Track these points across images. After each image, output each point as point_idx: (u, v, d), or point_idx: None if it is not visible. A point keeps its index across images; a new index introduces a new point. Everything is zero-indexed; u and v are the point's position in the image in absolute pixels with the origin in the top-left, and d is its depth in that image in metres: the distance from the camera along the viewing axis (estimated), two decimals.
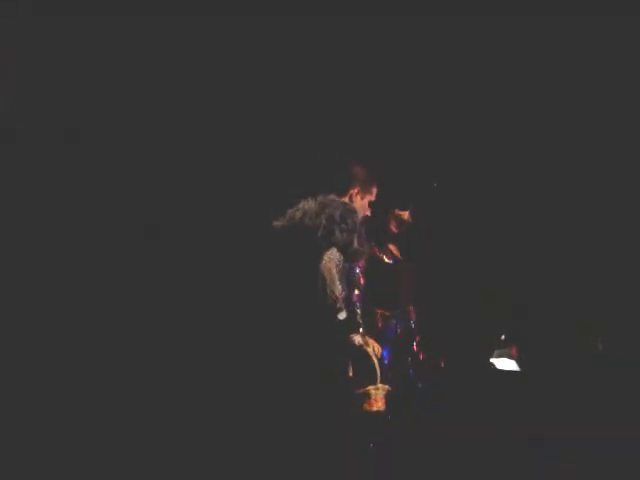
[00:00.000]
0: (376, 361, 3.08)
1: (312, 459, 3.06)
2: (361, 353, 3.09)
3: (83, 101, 4.09)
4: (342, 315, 3.07)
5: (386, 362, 3.51)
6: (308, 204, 3.22)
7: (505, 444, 3.92)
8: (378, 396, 3.03)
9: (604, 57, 4.33)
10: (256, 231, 3.48)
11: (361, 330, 3.23)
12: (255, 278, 3.43)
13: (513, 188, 4.60)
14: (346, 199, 3.37)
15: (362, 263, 3.45)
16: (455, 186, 4.44)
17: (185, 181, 4.19)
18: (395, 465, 3.45)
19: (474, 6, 4.21)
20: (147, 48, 4.15)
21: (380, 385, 3.05)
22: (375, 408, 3.02)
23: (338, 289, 3.06)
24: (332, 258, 3.09)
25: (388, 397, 3.11)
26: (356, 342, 3.09)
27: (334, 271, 3.07)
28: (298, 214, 3.20)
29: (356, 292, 3.35)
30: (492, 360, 4.39)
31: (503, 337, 4.46)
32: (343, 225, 3.13)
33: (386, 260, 3.81)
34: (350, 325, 3.14)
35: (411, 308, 3.87)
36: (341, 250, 3.12)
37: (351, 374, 3.07)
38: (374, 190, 3.48)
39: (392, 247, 3.90)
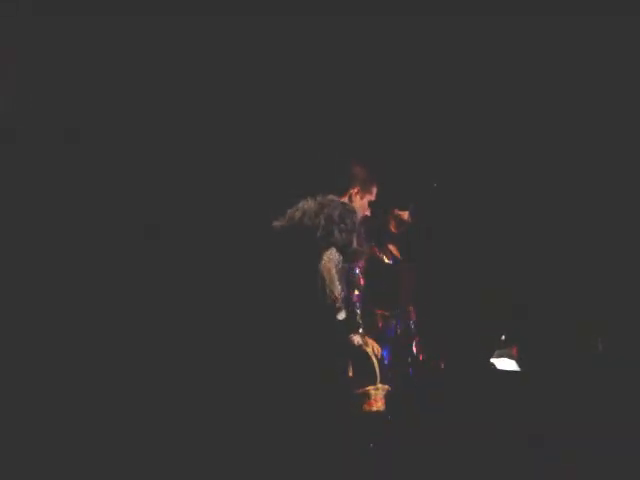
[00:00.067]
0: (376, 361, 3.08)
1: (312, 459, 3.06)
2: (361, 353, 3.09)
3: (83, 101, 4.09)
4: (341, 315, 3.07)
5: (386, 362, 3.52)
6: (307, 204, 3.22)
7: (505, 444, 3.92)
8: (378, 396, 3.03)
9: (604, 57, 4.33)
10: (256, 231, 3.48)
11: (361, 330, 3.23)
12: (255, 278, 3.43)
13: (513, 188, 4.60)
14: (346, 199, 3.37)
15: (362, 263, 3.45)
16: (455, 186, 4.44)
17: (185, 181, 4.19)
18: (395, 465, 3.45)
19: (474, 6, 4.21)
20: (147, 48, 4.14)
21: (380, 385, 3.05)
22: (375, 408, 3.02)
23: (337, 289, 3.06)
24: (331, 258, 3.09)
25: (388, 397, 3.11)
26: (355, 342, 3.09)
27: (333, 271, 3.07)
28: (297, 214, 3.20)
29: (356, 292, 3.34)
30: (492, 360, 4.39)
31: (503, 337, 4.46)
32: (342, 225, 3.13)
33: (386, 260, 3.81)
34: (350, 325, 3.14)
35: (411, 308, 3.87)
36: (340, 250, 3.12)
37: (351, 374, 3.07)
38: (374, 190, 3.49)
39: (392, 247, 3.89)
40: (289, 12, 4.17)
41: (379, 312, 3.70)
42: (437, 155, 4.44)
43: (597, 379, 4.14)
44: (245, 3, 4.16)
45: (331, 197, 3.27)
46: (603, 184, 4.52)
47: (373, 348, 3.17)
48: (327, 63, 4.29)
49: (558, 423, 3.99)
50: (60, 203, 4.04)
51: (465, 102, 4.46)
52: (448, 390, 4.01)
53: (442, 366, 3.99)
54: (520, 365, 4.38)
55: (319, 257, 3.09)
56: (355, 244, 3.16)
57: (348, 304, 3.19)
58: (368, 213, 3.49)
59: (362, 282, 3.40)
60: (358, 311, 3.31)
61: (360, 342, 3.11)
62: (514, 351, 4.42)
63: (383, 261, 3.79)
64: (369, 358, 3.08)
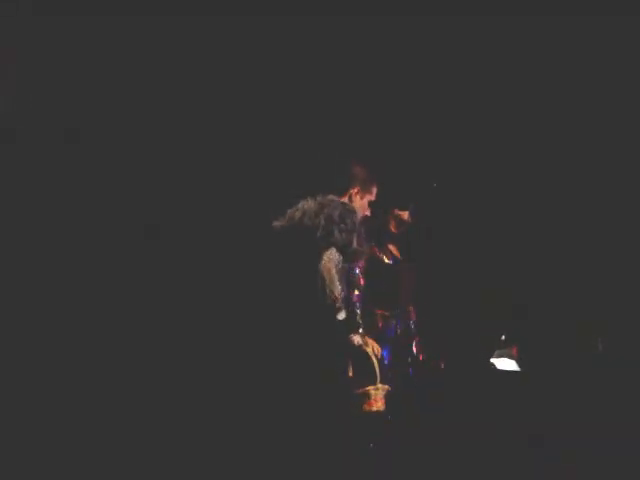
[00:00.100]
0: (375, 361, 3.07)
1: (312, 459, 3.06)
2: (361, 353, 3.09)
3: (83, 101, 4.09)
4: (341, 315, 3.07)
5: (386, 362, 3.52)
6: (307, 204, 3.22)
7: (505, 444, 3.92)
8: (378, 396, 3.03)
9: (604, 57, 4.33)
10: (256, 231, 3.47)
11: (361, 330, 3.23)
12: (255, 278, 3.42)
13: (513, 188, 4.60)
14: (346, 199, 3.37)
15: (362, 263, 3.45)
16: (455, 186, 4.44)
17: (185, 181, 4.18)
18: (395, 465, 3.45)
19: (474, 6, 4.21)
20: (147, 48, 4.14)
21: (380, 385, 3.04)
22: (375, 408, 3.02)
23: (337, 289, 3.06)
24: (331, 258, 3.08)
25: (388, 397, 3.11)
26: (355, 342, 3.09)
27: (333, 271, 3.06)
28: (298, 214, 3.20)
29: (356, 292, 3.34)
30: (492, 360, 4.39)
31: (503, 337, 4.46)
32: (342, 225, 3.12)
33: (386, 260, 3.80)
34: (350, 325, 3.14)
35: (411, 308, 3.87)
36: (340, 250, 3.12)
37: (351, 374, 3.07)
38: (374, 190, 3.48)
39: (392, 247, 3.89)
40: (289, 12, 4.17)
41: (379, 312, 3.69)
42: (437, 155, 4.44)
43: (597, 379, 4.13)
44: (245, 3, 4.16)
45: (331, 197, 3.26)
46: (603, 184, 4.52)
47: (373, 348, 3.17)
48: (327, 63, 4.29)
49: (558, 423, 3.99)
50: (60, 203, 4.03)
51: (464, 102, 4.46)
52: (448, 390, 4.01)
53: (442, 366, 3.99)
54: (520, 365, 4.38)
55: (319, 257, 3.08)
56: (355, 244, 3.16)
57: (348, 304, 3.19)
58: (368, 213, 3.49)
59: (362, 282, 3.40)
60: (358, 311, 3.31)
61: (360, 342, 3.11)
62: (514, 351, 4.42)
63: (383, 261, 3.79)
64: (369, 358, 3.08)
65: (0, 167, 3.93)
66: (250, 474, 3.43)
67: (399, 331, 3.76)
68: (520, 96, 4.46)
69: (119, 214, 4.09)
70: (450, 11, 4.23)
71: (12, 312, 3.84)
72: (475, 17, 4.26)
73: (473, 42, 4.34)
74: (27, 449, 3.66)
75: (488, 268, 4.55)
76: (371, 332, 3.40)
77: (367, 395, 3.03)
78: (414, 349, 3.81)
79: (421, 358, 3.83)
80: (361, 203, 3.43)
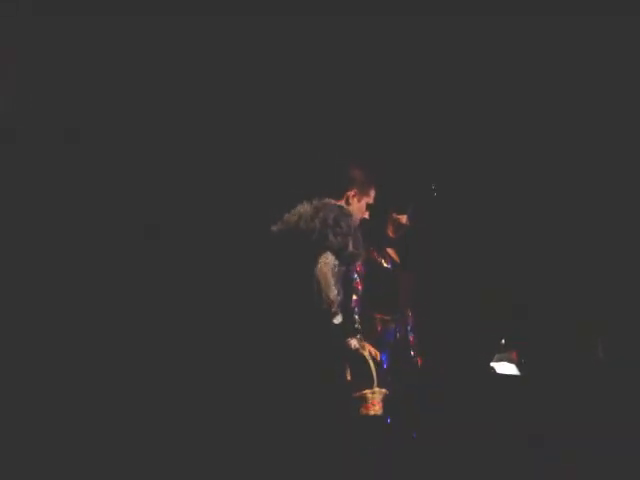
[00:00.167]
0: (372, 365, 3.06)
1: (309, 463, 3.05)
2: (358, 357, 3.07)
3: (83, 101, 4.09)
4: (338, 319, 3.04)
5: (385, 366, 3.52)
6: (303, 208, 3.20)
7: (505, 444, 3.92)
8: (375, 400, 3.01)
9: (604, 57, 4.33)
10: (253, 235, 3.47)
11: (359, 335, 3.23)
12: (251, 282, 3.41)
13: (512, 189, 4.60)
14: (343, 201, 3.36)
15: (360, 267, 3.45)
16: (453, 188, 4.43)
17: (184, 182, 4.18)
18: (395, 469, 3.44)
19: (473, 6, 4.21)
20: (147, 48, 4.14)
21: (377, 389, 3.03)
22: (372, 412, 3.01)
23: (333, 293, 3.03)
24: (327, 262, 3.05)
25: (386, 400, 3.10)
26: (352, 346, 3.07)
27: (329, 275, 3.03)
28: (294, 218, 3.18)
29: (354, 297, 3.34)
30: (492, 364, 4.38)
31: (503, 341, 4.46)
32: (337, 229, 3.10)
33: (384, 264, 3.79)
34: (347, 329, 3.13)
35: (411, 311, 3.85)
36: (336, 254, 3.09)
37: (349, 378, 3.05)
38: (372, 192, 3.46)
39: (390, 251, 3.88)
40: (287, 12, 4.17)
41: (378, 316, 3.69)
42: (434, 157, 4.44)
43: (597, 379, 4.14)
44: (245, 3, 4.16)
45: (327, 200, 3.25)
46: (602, 184, 4.52)
47: (370, 352, 3.16)
48: (325, 66, 4.29)
49: (558, 423, 3.99)
50: (60, 203, 4.03)
51: (463, 105, 4.46)
52: (448, 390, 4.01)
53: (442, 368, 3.99)
54: (520, 369, 4.38)
55: (315, 261, 3.07)
56: (351, 247, 3.13)
57: (346, 308, 3.18)
58: (366, 216, 3.47)
59: (360, 287, 3.40)
60: (356, 316, 3.31)
61: (357, 346, 3.09)
62: (514, 355, 4.42)
63: (382, 265, 3.78)
64: (366, 362, 3.06)
65: (0, 167, 3.92)
66: (248, 476, 3.43)
67: (398, 335, 3.75)
68: (517, 98, 4.46)
69: (119, 214, 4.09)
70: (449, 11, 4.23)
71: (12, 312, 3.84)
72: (474, 17, 4.26)
73: (470, 44, 4.34)
74: (27, 449, 3.66)
75: (488, 268, 4.55)
76: (370, 336, 3.41)
77: (364, 398, 3.02)
78: (414, 352, 3.80)
79: (420, 361, 3.82)
80: (359, 206, 3.41)
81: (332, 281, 3.04)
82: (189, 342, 3.96)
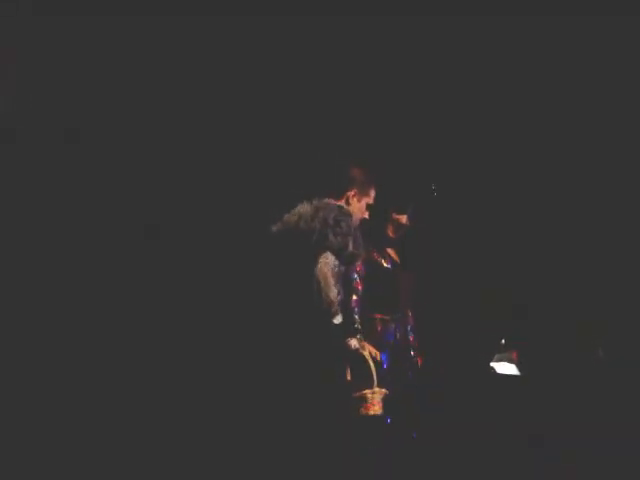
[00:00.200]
0: (372, 365, 3.05)
1: (309, 463, 3.04)
2: (358, 357, 3.07)
3: (83, 101, 4.09)
4: (338, 319, 3.04)
5: (385, 366, 3.52)
6: (303, 208, 3.20)
7: (505, 444, 3.92)
8: (375, 399, 3.01)
9: (604, 57, 4.33)
10: (253, 235, 3.47)
11: (359, 335, 3.23)
12: (251, 282, 3.41)
13: (512, 189, 4.60)
14: (343, 201, 3.35)
15: (360, 268, 3.45)
16: (453, 188, 4.43)
17: (184, 182, 4.18)
18: (395, 469, 3.44)
19: (473, 6, 4.21)
20: (147, 48, 4.14)
21: (377, 389, 3.02)
22: (372, 412, 3.00)
23: (333, 293, 3.02)
24: (327, 262, 3.05)
25: (386, 400, 3.10)
26: (352, 346, 3.07)
27: (329, 275, 3.03)
28: (294, 218, 3.18)
29: (354, 297, 3.34)
30: (492, 364, 4.38)
31: (503, 341, 4.46)
32: (337, 229, 3.10)
33: (384, 264, 3.79)
34: (348, 329, 3.12)
35: (411, 312, 3.85)
36: (336, 254, 3.09)
37: (349, 378, 3.05)
38: (372, 193, 3.46)
39: (390, 251, 3.88)
40: (284, 12, 4.17)
41: (378, 316, 3.68)
42: (435, 158, 4.44)
43: (597, 379, 4.14)
44: (243, 3, 4.16)
45: (326, 200, 3.25)
46: (602, 184, 4.52)
47: (370, 352, 3.16)
48: (325, 66, 4.28)
49: (558, 423, 3.99)
50: (60, 203, 4.03)
51: (463, 104, 4.46)
52: (448, 390, 4.01)
53: (442, 368, 3.99)
54: (520, 369, 4.38)
55: (315, 261, 3.06)
56: (351, 247, 3.13)
57: (346, 308, 3.18)
58: (366, 216, 3.46)
59: (360, 287, 3.40)
60: (356, 316, 3.30)
61: (357, 346, 3.09)
62: (514, 355, 4.42)
63: (382, 265, 3.78)
64: (366, 362, 3.06)
65: (0, 167, 3.93)
66: (248, 475, 3.43)
67: (399, 335, 3.74)
68: (517, 98, 4.46)
69: (119, 214, 4.09)
70: (449, 11, 4.23)
71: (12, 312, 3.84)
72: (473, 17, 4.25)
73: (470, 45, 4.34)
74: (27, 449, 3.66)
75: (488, 268, 4.55)
76: (370, 336, 3.41)
77: (364, 398, 3.01)
78: (414, 352, 3.80)
79: (421, 361, 3.82)
80: (359, 206, 3.40)
81: (332, 281, 3.03)
82: (189, 341, 3.96)
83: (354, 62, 4.30)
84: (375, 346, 3.38)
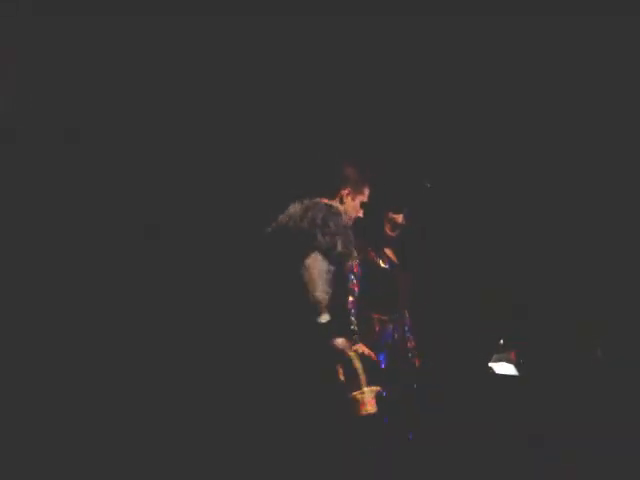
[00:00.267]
0: (359, 365, 3.03)
1: (302, 464, 3.03)
2: (345, 357, 3.04)
3: (83, 101, 4.09)
4: (324, 318, 3.01)
5: (383, 366, 3.51)
6: (294, 208, 3.19)
7: (505, 444, 3.92)
8: (365, 399, 2.99)
9: (604, 57, 4.33)
10: (245, 236, 3.47)
11: (355, 336, 3.22)
12: (241, 283, 3.41)
13: (512, 189, 4.60)
14: (337, 200, 3.35)
15: (357, 269, 3.44)
16: (452, 187, 4.42)
17: (184, 182, 4.19)
18: (392, 469, 3.44)
19: (467, 6, 4.21)
20: (147, 48, 4.15)
21: (366, 389, 2.99)
22: (364, 412, 2.99)
23: (320, 292, 3.00)
24: (315, 262, 3.03)
25: (382, 399, 3.08)
26: (339, 346, 3.04)
27: (316, 275, 3.02)
28: (284, 219, 3.18)
29: (350, 298, 3.33)
30: (491, 365, 4.38)
31: (502, 341, 4.46)
32: (326, 228, 3.08)
33: (382, 264, 3.79)
34: (336, 330, 3.09)
35: (409, 312, 3.84)
36: (324, 253, 3.08)
37: (342, 378, 3.02)
38: (366, 191, 3.43)
39: (387, 251, 3.88)
40: (279, 12, 4.17)
41: (376, 316, 3.68)
42: (432, 156, 4.43)
43: (597, 379, 4.14)
44: (243, 3, 4.17)
45: (316, 200, 3.23)
46: (602, 184, 4.52)
47: (362, 352, 3.15)
48: (318, 65, 4.28)
49: (558, 423, 3.99)
50: (60, 203, 4.04)
51: (458, 100, 4.46)
52: (448, 390, 4.01)
53: (440, 368, 3.99)
54: (519, 370, 4.38)
55: (303, 261, 3.05)
56: (340, 247, 3.10)
57: (342, 309, 3.17)
58: (360, 214, 3.44)
59: (357, 288, 3.39)
60: (353, 317, 3.30)
61: (343, 346, 3.05)
62: (512, 355, 4.41)
63: (379, 265, 3.78)
64: (353, 362, 3.03)
65: (0, 167, 3.93)
66: (240, 476, 3.43)
67: (396, 335, 3.74)
68: (514, 95, 4.45)
69: (119, 214, 4.09)
70: (443, 11, 4.22)
71: (12, 312, 3.85)
72: (467, 17, 4.25)
73: (464, 43, 4.34)
74: (27, 449, 3.66)
75: (488, 268, 4.55)
76: (368, 336, 3.40)
77: (355, 400, 3.00)
78: (412, 352, 3.80)
79: (419, 361, 3.81)
80: (353, 205, 3.37)
81: (319, 281, 3.01)
82: (180, 341, 3.96)
83: (350, 61, 4.30)
84: (373, 346, 3.38)
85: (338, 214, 3.18)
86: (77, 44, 4.08)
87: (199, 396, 3.87)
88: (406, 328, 3.79)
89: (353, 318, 3.33)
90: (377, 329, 3.66)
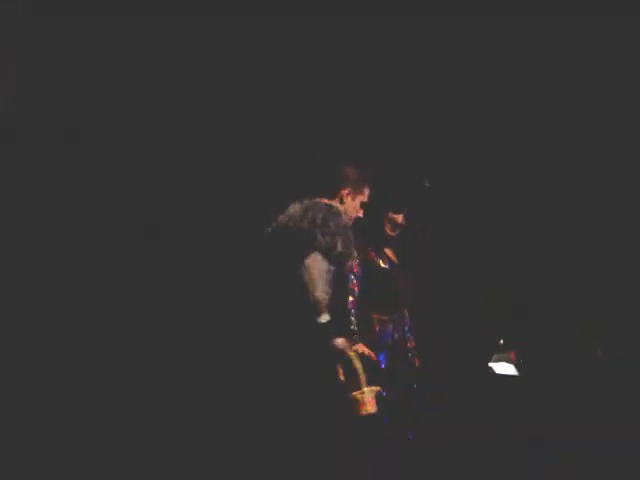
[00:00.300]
0: (359, 365, 3.03)
1: (301, 464, 3.02)
2: (345, 357, 3.04)
3: (83, 101, 4.09)
4: (324, 318, 3.00)
5: (383, 366, 3.51)
6: (294, 208, 3.19)
7: (505, 444, 3.92)
8: (365, 399, 2.99)
9: (604, 57, 4.33)
10: (244, 236, 3.47)
11: (355, 336, 3.22)
12: (241, 284, 3.41)
13: (511, 188, 4.60)
14: (337, 200, 3.34)
15: (357, 269, 3.44)
16: (452, 187, 4.42)
17: (183, 182, 4.19)
18: (393, 469, 3.44)
19: (467, 6, 4.21)
20: (147, 48, 4.15)
21: (366, 389, 2.99)
22: (364, 412, 2.99)
23: (319, 292, 3.00)
24: (315, 262, 3.03)
25: (381, 399, 3.08)
26: (339, 346, 3.04)
27: (316, 275, 3.02)
28: (285, 219, 3.18)
29: (350, 298, 3.33)
30: (491, 365, 4.38)
31: (502, 341, 4.46)
32: (326, 228, 3.08)
33: (382, 264, 3.79)
34: (338, 330, 3.09)
35: (408, 311, 3.84)
36: (324, 253, 3.08)
37: (342, 378, 3.02)
38: (366, 191, 3.43)
39: (387, 251, 3.88)
40: (278, 12, 4.17)
41: (376, 316, 3.68)
42: (432, 156, 4.43)
43: (597, 379, 4.14)
44: (242, 3, 4.17)
45: (316, 200, 3.23)
46: (602, 184, 4.52)
47: (362, 352, 3.15)
48: (318, 65, 4.28)
49: (558, 423, 3.99)
50: (60, 203, 4.04)
51: (459, 101, 4.46)
52: (448, 390, 4.01)
53: (440, 368, 3.99)
54: (519, 369, 4.38)
55: (303, 261, 3.05)
56: (340, 247, 3.10)
57: (342, 310, 3.17)
58: (360, 214, 3.44)
59: (357, 288, 3.39)
60: (353, 318, 3.30)
61: (343, 346, 3.05)
62: (512, 355, 4.41)
63: (379, 265, 3.78)
64: (353, 362, 3.03)
65: (0, 167, 3.93)
66: (238, 476, 3.43)
67: (396, 335, 3.74)
68: (514, 97, 4.45)
69: (119, 214, 4.09)
70: (441, 11, 4.22)
71: (12, 312, 3.85)
72: (464, 17, 4.25)
73: (464, 43, 4.34)
74: (27, 449, 3.66)
75: (488, 268, 4.55)
76: (368, 336, 3.40)
77: (355, 400, 3.00)
78: (413, 352, 3.80)
79: (419, 361, 3.81)
80: (353, 205, 3.37)
81: (319, 281, 3.01)
82: (181, 341, 3.96)
83: (350, 61, 4.30)
84: (373, 346, 3.38)
85: (338, 214, 3.17)
86: (77, 44, 4.08)
87: (199, 396, 3.88)
88: (406, 328, 3.79)
89: (353, 318, 3.33)
90: (377, 329, 3.66)
